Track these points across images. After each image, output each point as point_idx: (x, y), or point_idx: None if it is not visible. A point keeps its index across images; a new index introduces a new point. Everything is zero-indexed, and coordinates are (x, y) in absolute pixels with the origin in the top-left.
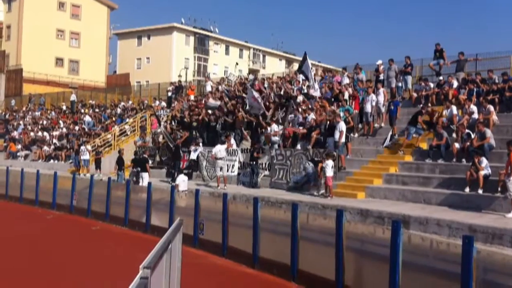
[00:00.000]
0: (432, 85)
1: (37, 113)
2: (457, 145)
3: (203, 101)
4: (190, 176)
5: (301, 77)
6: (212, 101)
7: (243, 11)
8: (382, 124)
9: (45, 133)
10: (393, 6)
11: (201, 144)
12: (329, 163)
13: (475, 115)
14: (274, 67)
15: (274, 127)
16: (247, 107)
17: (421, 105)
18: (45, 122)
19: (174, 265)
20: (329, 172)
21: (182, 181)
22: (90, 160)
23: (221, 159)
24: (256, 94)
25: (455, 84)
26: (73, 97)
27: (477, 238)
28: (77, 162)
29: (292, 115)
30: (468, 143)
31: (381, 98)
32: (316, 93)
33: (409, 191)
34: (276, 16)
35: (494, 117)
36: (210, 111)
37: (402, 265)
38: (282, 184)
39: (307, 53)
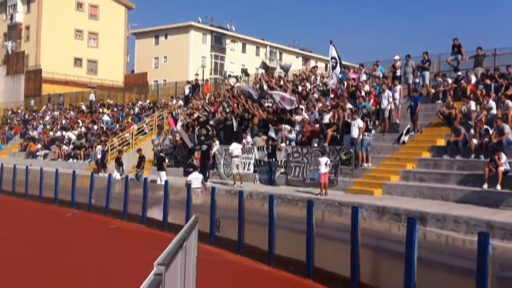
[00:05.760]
0: (450, 80)
1: (56, 113)
2: (475, 141)
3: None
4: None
5: (318, 73)
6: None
7: (259, 9)
8: (397, 120)
9: (65, 133)
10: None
11: (217, 142)
12: (323, 160)
13: (494, 111)
14: (291, 64)
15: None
16: (279, 104)
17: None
18: (64, 121)
19: (189, 262)
20: (323, 169)
21: (195, 178)
22: (108, 160)
23: (237, 157)
24: (281, 94)
25: (474, 79)
26: (91, 97)
27: (495, 235)
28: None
29: (309, 112)
30: (486, 139)
31: (397, 95)
32: (332, 82)
33: (426, 188)
34: (293, 12)
35: None
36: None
37: (417, 262)
38: (299, 181)
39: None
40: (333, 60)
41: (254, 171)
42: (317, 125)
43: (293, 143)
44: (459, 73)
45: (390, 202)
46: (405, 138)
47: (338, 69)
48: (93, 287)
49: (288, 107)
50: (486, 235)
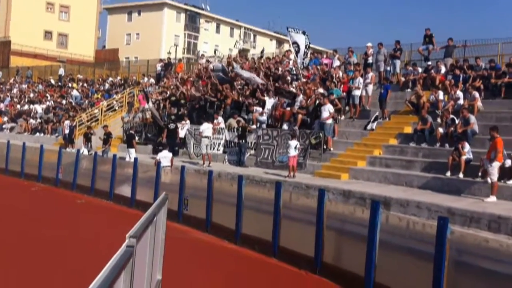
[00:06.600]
0: (420, 70)
1: (24, 86)
2: (441, 130)
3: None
4: (176, 153)
5: (291, 57)
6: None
7: None
8: (368, 107)
9: (32, 106)
10: None
11: (188, 121)
12: (292, 143)
13: (461, 101)
14: (265, 47)
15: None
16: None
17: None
18: (32, 95)
19: (158, 237)
20: (292, 152)
21: (164, 157)
22: (76, 135)
23: (207, 138)
24: (247, 74)
25: (443, 69)
26: (61, 71)
27: (456, 221)
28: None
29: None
30: (452, 129)
31: (368, 82)
32: (299, 65)
33: (391, 174)
34: None
35: (479, 103)
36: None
37: (379, 244)
38: (268, 163)
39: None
40: (294, 45)
41: (224, 152)
42: (288, 108)
43: (264, 126)
44: (429, 62)
45: (356, 186)
46: (373, 124)
47: (301, 52)
48: (60, 260)
49: (259, 84)
50: (445, 219)
